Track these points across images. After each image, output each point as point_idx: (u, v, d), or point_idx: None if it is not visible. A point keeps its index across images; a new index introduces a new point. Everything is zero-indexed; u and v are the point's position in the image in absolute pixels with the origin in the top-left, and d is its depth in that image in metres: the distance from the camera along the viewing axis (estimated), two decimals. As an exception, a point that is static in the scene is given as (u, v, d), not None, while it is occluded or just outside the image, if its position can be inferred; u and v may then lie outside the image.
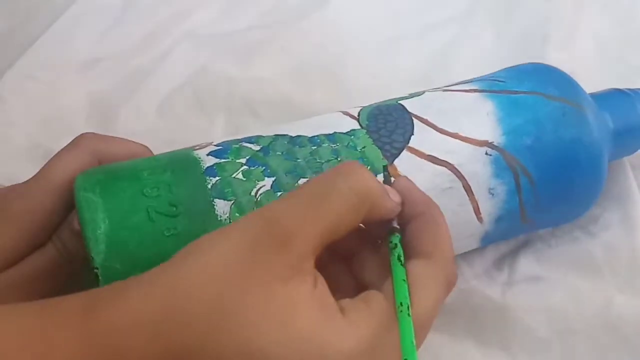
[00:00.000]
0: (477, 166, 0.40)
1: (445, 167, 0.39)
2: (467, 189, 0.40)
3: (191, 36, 0.63)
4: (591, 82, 0.47)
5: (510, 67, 0.46)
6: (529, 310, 0.45)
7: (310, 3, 0.65)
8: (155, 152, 0.43)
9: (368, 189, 0.31)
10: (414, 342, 0.29)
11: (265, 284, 0.28)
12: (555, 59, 0.57)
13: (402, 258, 0.31)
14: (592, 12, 0.62)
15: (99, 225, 0.35)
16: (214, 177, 0.37)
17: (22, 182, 0.40)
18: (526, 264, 0.47)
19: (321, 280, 0.30)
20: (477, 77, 0.46)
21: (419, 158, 0.39)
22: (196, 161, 0.38)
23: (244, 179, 0.37)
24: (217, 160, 0.38)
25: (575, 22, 0.61)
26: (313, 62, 0.60)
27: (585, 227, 0.49)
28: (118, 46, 0.62)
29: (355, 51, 0.61)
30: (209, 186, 0.37)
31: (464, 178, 0.40)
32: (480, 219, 0.41)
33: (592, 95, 0.46)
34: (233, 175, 0.37)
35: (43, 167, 0.39)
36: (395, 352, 0.29)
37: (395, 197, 0.33)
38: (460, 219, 0.41)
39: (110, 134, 0.43)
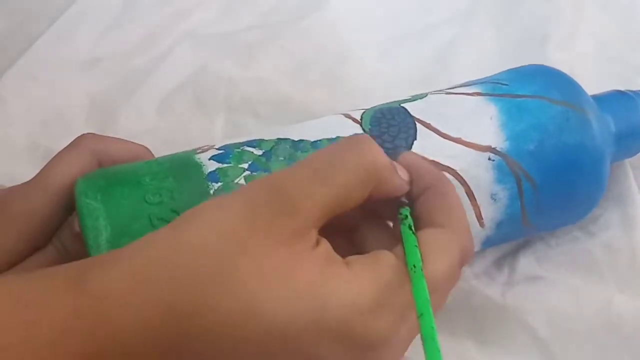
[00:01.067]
0: (479, 171, 0.40)
1: (448, 172, 0.39)
2: (470, 194, 0.40)
3: (191, 36, 0.62)
4: (591, 82, 0.46)
5: (513, 69, 0.46)
6: (529, 310, 0.45)
7: (310, 3, 0.65)
8: (155, 152, 0.43)
9: (376, 163, 0.30)
10: (429, 298, 0.28)
11: (267, 246, 0.28)
12: (555, 59, 0.57)
13: (412, 227, 0.31)
14: (592, 12, 0.61)
15: (100, 233, 0.35)
16: (217, 182, 0.37)
17: (23, 183, 0.40)
18: (526, 264, 0.47)
19: (324, 241, 0.29)
20: (480, 79, 0.45)
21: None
22: (198, 166, 0.38)
23: None
24: (219, 165, 0.38)
25: (575, 22, 0.60)
26: (313, 62, 0.60)
27: (585, 227, 0.49)
28: (118, 46, 0.62)
29: (355, 51, 0.61)
30: (212, 192, 0.37)
31: (466, 184, 0.40)
32: (482, 224, 0.41)
33: (594, 97, 0.46)
34: (235, 181, 0.37)
35: (43, 169, 0.39)
36: (408, 309, 0.28)
37: (404, 175, 0.33)
38: (462, 224, 0.41)
39: (110, 134, 0.43)
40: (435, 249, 0.30)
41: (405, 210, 0.32)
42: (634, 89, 0.49)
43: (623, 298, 0.45)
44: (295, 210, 0.28)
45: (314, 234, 0.29)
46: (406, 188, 0.33)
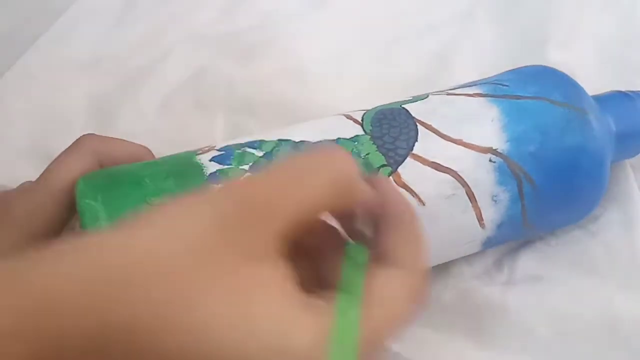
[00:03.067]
0: (480, 173, 0.40)
1: (449, 174, 0.39)
2: (470, 195, 0.40)
3: (191, 36, 0.62)
4: (591, 82, 0.46)
5: (514, 69, 0.46)
6: (528, 310, 0.45)
7: (310, 3, 0.65)
8: (155, 153, 0.43)
9: (349, 175, 0.29)
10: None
11: (232, 263, 0.26)
12: (555, 59, 0.57)
13: (358, 264, 0.29)
14: (592, 12, 0.61)
15: None
16: (218, 184, 0.37)
17: (25, 185, 0.40)
18: (526, 264, 0.47)
19: (290, 273, 0.28)
20: (481, 80, 0.45)
21: (422, 165, 0.39)
22: (199, 167, 0.38)
23: None
24: (220, 167, 0.38)
25: (575, 22, 0.60)
26: (313, 62, 0.60)
27: (586, 227, 0.49)
28: (118, 46, 0.62)
29: (355, 51, 0.61)
30: None
31: (467, 185, 0.40)
32: (482, 225, 0.41)
33: (595, 97, 0.46)
34: None
35: (45, 171, 0.39)
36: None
37: (372, 190, 0.31)
38: (462, 226, 0.41)
39: (110, 134, 0.43)
40: (392, 297, 0.28)
41: (359, 250, 0.30)
42: (634, 89, 0.49)
43: (623, 298, 0.45)
44: (264, 220, 0.27)
45: (282, 246, 0.27)
46: (374, 204, 0.31)
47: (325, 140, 0.40)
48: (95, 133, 0.42)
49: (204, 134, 0.55)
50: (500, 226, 0.42)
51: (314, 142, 0.40)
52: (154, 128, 0.56)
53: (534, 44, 0.59)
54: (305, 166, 0.29)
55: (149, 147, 0.43)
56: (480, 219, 0.41)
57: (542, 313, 0.45)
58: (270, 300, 0.26)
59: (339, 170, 0.29)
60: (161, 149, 0.43)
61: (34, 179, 0.44)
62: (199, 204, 0.27)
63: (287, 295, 0.27)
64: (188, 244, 0.26)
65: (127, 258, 0.25)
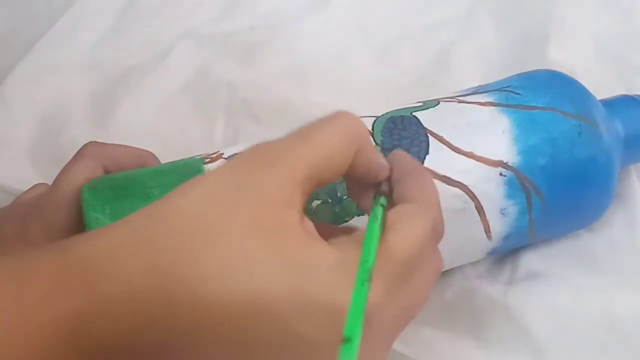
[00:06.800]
0: (490, 187, 0.40)
1: (459, 188, 0.39)
2: (480, 209, 0.40)
3: (191, 36, 0.62)
4: (591, 82, 0.46)
5: (526, 74, 0.46)
6: (530, 308, 0.45)
7: (310, 3, 0.64)
8: (156, 154, 0.43)
9: (358, 129, 0.30)
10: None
11: (254, 202, 0.27)
12: (555, 59, 0.57)
13: (379, 216, 0.29)
14: (592, 12, 0.61)
15: None
16: None
17: (38, 189, 0.41)
18: (528, 263, 0.47)
19: (309, 220, 0.29)
20: (493, 85, 0.45)
21: (433, 179, 0.39)
22: None
23: None
24: None
25: (575, 22, 0.60)
26: (313, 62, 0.60)
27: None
28: (118, 47, 0.61)
29: (356, 51, 0.61)
30: None
31: (476, 199, 0.39)
32: (489, 237, 0.41)
33: (603, 101, 0.45)
34: None
35: (53, 183, 0.39)
36: (395, 286, 0.27)
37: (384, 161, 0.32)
38: (469, 237, 0.41)
39: (110, 135, 0.43)
40: (405, 221, 0.29)
41: (380, 199, 0.30)
42: (633, 88, 0.48)
43: (624, 297, 0.45)
44: (280, 164, 0.28)
45: (299, 199, 0.28)
46: (385, 169, 0.32)
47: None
48: (96, 133, 0.41)
49: (204, 134, 0.55)
50: (506, 237, 0.42)
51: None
52: (154, 129, 0.55)
53: (534, 43, 0.59)
54: (315, 125, 0.30)
55: (149, 149, 0.43)
56: (487, 231, 0.41)
57: (543, 311, 0.45)
58: (293, 236, 0.27)
59: (347, 125, 0.30)
60: (160, 149, 0.43)
61: (36, 179, 0.45)
62: (219, 167, 0.29)
63: (309, 235, 0.27)
64: (208, 196, 0.27)
65: (159, 221, 0.27)
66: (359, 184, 0.32)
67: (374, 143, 0.40)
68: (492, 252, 0.44)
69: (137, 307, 0.26)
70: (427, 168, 0.33)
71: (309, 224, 0.28)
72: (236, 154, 0.39)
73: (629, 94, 0.49)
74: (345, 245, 0.28)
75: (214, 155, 0.40)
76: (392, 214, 0.29)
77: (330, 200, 0.30)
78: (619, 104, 0.47)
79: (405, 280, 0.28)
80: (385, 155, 0.32)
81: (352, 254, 0.27)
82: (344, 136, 0.30)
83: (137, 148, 0.42)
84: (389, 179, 0.32)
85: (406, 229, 0.28)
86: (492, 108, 0.42)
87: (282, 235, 0.27)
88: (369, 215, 0.30)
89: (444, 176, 0.39)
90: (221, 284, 0.26)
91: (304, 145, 0.29)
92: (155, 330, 0.26)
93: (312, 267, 0.26)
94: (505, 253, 0.48)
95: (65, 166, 0.39)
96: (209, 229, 0.27)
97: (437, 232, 0.30)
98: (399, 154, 0.33)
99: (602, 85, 0.49)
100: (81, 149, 0.40)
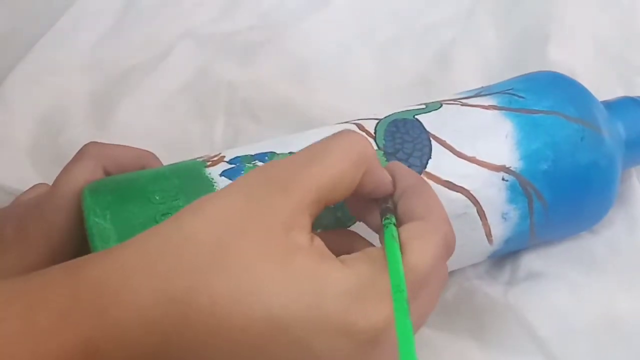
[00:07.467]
0: (492, 192, 0.40)
1: (461, 193, 0.39)
2: (481, 214, 0.40)
3: (191, 36, 0.62)
4: (591, 82, 0.46)
5: (528, 75, 0.46)
6: (530, 309, 0.45)
7: (310, 3, 0.64)
8: (155, 153, 0.43)
9: (366, 150, 0.31)
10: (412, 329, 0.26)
11: (265, 227, 0.28)
12: (555, 59, 0.57)
13: (396, 236, 0.29)
14: (592, 12, 0.61)
15: None
16: None
17: (38, 189, 0.41)
18: (528, 263, 0.47)
19: (318, 239, 0.29)
20: (496, 87, 0.45)
21: (435, 184, 0.38)
22: (209, 183, 0.37)
23: None
24: (230, 182, 0.37)
25: (575, 22, 0.60)
26: (313, 63, 0.60)
27: (588, 225, 0.49)
28: (118, 47, 0.61)
29: (356, 52, 0.61)
30: None
31: (478, 204, 0.39)
32: (490, 241, 0.41)
33: (605, 103, 0.45)
34: None
35: (53, 183, 0.39)
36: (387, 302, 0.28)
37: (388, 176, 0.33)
38: (470, 242, 0.41)
39: (110, 135, 0.42)
40: (418, 238, 0.29)
41: (391, 218, 0.31)
42: (633, 88, 0.48)
43: (625, 297, 0.45)
44: (290, 189, 0.28)
45: (308, 222, 0.29)
46: (391, 186, 0.33)
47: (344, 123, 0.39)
48: (96, 133, 0.41)
49: (204, 135, 0.55)
50: (507, 241, 0.42)
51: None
52: (154, 129, 0.55)
53: (534, 43, 0.59)
54: (323, 146, 0.30)
55: (149, 149, 0.43)
56: (489, 235, 0.41)
57: (543, 312, 0.45)
58: (304, 257, 0.28)
59: (355, 146, 0.30)
60: (160, 150, 0.43)
61: (36, 179, 0.45)
62: (229, 187, 0.30)
63: (321, 254, 0.28)
64: (220, 221, 0.28)
65: (170, 245, 0.28)
66: (360, 199, 0.33)
67: (376, 147, 0.40)
68: (493, 255, 0.44)
69: (151, 332, 0.26)
70: (426, 180, 0.34)
71: (319, 242, 0.29)
72: (238, 156, 0.39)
73: (629, 94, 0.49)
74: (359, 263, 0.28)
75: (215, 158, 0.39)
76: (406, 232, 0.30)
77: (332, 206, 0.31)
78: (620, 106, 0.47)
79: (420, 293, 0.29)
80: (387, 160, 0.32)
81: (365, 273, 0.28)
82: (352, 158, 0.30)
83: (137, 148, 0.42)
84: (391, 194, 0.33)
85: (422, 247, 0.29)
86: (495, 112, 0.42)
87: (294, 258, 0.27)
88: (376, 232, 0.31)
89: (447, 181, 0.39)
90: (237, 307, 0.26)
91: (313, 169, 0.29)
92: (171, 355, 0.27)
93: (327, 287, 0.27)
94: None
95: (66, 166, 0.39)
96: (222, 254, 0.27)
97: (448, 247, 0.31)
98: (397, 166, 0.34)
99: (602, 85, 0.49)
100: (81, 149, 0.40)
